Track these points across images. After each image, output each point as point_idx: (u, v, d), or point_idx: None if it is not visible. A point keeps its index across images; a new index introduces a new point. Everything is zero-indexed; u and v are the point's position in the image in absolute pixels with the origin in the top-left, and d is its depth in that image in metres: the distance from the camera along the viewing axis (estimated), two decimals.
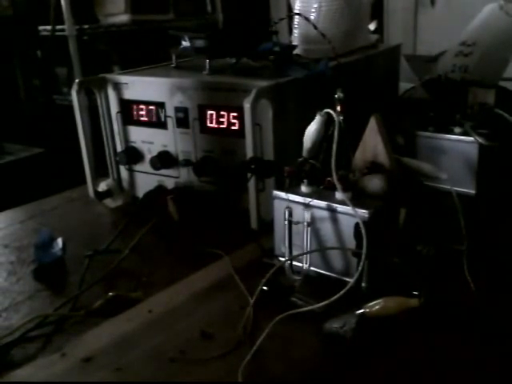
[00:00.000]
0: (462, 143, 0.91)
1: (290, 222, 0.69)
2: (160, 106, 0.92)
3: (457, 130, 0.92)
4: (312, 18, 1.06)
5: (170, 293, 0.69)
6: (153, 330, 0.62)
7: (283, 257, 0.70)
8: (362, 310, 0.59)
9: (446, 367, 0.54)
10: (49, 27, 2.36)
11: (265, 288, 0.65)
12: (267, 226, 0.77)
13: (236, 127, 0.86)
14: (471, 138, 0.90)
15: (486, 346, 0.57)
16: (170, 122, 0.92)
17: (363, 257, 0.61)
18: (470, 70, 1.11)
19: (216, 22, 2.84)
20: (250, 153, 0.80)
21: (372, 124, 0.71)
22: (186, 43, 0.98)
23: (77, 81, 0.96)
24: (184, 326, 0.62)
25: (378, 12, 2.62)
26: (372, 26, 1.35)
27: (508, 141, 0.91)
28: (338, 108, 0.71)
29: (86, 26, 2.33)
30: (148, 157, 0.95)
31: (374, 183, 0.69)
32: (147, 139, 0.96)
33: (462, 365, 0.54)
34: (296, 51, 1.03)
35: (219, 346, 0.58)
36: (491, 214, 0.87)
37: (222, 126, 0.87)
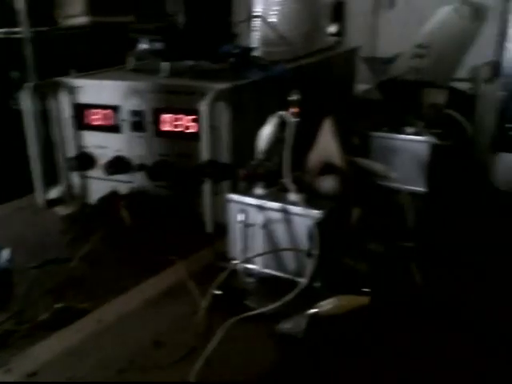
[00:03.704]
0: (413, 143, 0.93)
1: (244, 225, 0.69)
2: (115, 109, 0.91)
3: (409, 130, 0.94)
4: (272, 20, 1.06)
5: (120, 301, 0.68)
6: (102, 341, 0.60)
7: (238, 260, 0.70)
8: (314, 310, 0.59)
9: (399, 362, 0.55)
10: (3, 30, 2.30)
11: (218, 292, 0.64)
12: (224, 229, 0.77)
13: (193, 130, 0.85)
14: (423, 138, 0.92)
15: (435, 336, 0.58)
16: (125, 126, 0.91)
17: (315, 257, 0.61)
18: (425, 72, 1.13)
19: (176, 25, 2.81)
20: (205, 156, 0.80)
21: (326, 126, 0.72)
22: (143, 46, 0.97)
23: (27, 85, 0.93)
24: (135, 335, 0.61)
25: (339, 14, 2.64)
26: (334, 29, 1.36)
27: (458, 140, 0.93)
28: (294, 110, 0.71)
29: (44, 29, 2.28)
30: (101, 162, 0.93)
31: (328, 184, 0.70)
32: (101, 144, 0.94)
33: (413, 357, 0.55)
34: (257, 53, 1.02)
35: (171, 353, 0.57)
36: (441, 211, 0.89)
37: (178, 130, 0.86)
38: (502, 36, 0.75)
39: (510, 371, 0.54)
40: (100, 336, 0.61)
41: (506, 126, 0.73)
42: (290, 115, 0.70)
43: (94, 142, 0.95)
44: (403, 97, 0.99)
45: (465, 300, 0.63)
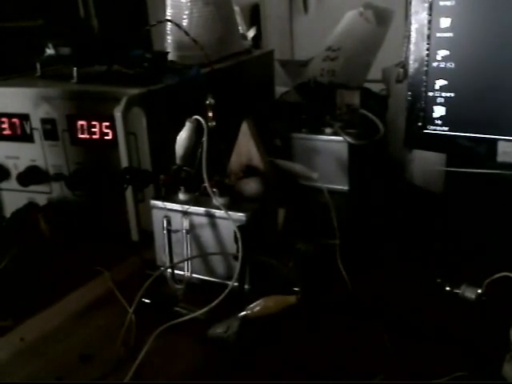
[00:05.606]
0: (333, 143, 0.96)
1: (169, 231, 0.68)
2: (24, 118, 0.86)
3: (328, 130, 0.97)
4: (184, 24, 1.05)
5: (44, 317, 0.65)
6: (25, 359, 0.57)
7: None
8: (244, 313, 0.59)
9: (330, 358, 0.56)
10: None
11: (146, 300, 0.63)
12: (151, 236, 0.75)
13: (109, 137, 0.83)
14: (341, 138, 0.95)
15: (363, 329, 0.59)
16: (37, 135, 0.87)
17: (240, 259, 0.61)
18: (337, 74, 1.17)
19: (86, 28, 2.72)
20: (124, 163, 0.78)
21: (244, 129, 0.72)
22: (50, 51, 0.93)
23: None
24: (60, 351, 0.58)
25: (256, 18, 2.67)
26: (251, 33, 1.38)
27: (374, 139, 0.98)
28: (210, 114, 0.71)
29: None
30: (14, 173, 0.89)
31: (250, 186, 0.70)
32: (12, 154, 0.89)
33: (343, 352, 0.57)
34: (171, 58, 1.02)
35: (100, 367, 0.55)
36: (363, 207, 0.92)
37: (94, 137, 0.84)
38: (407, 38, 0.79)
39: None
40: (23, 354, 0.58)
41: (418, 124, 0.78)
42: (206, 119, 0.70)
43: (4, 152, 0.90)
44: (319, 98, 1.02)
45: (386, 298, 0.65)
